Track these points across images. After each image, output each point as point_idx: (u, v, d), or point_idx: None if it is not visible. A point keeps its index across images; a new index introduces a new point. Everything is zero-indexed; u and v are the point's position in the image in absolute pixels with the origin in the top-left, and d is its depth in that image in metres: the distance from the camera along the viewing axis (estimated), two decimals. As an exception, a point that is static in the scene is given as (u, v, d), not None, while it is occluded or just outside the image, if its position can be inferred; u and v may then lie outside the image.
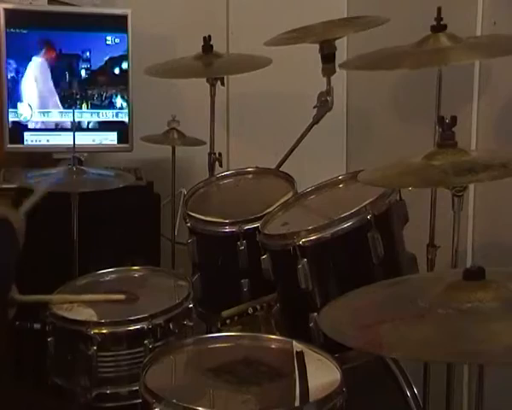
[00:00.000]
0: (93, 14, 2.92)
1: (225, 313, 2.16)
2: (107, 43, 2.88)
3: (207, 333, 2.18)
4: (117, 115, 2.91)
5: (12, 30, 2.76)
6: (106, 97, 2.90)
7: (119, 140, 2.93)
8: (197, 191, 2.48)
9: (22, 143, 2.85)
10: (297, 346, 1.80)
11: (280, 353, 1.83)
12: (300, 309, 1.97)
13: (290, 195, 2.27)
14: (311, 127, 2.52)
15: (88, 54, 2.87)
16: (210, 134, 2.75)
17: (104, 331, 2.00)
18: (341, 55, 2.66)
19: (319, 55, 2.41)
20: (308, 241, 1.91)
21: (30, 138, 2.85)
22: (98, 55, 2.88)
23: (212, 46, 2.66)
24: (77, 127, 2.68)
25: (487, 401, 1.63)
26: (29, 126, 2.84)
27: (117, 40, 2.88)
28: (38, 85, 2.84)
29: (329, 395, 1.60)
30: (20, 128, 2.83)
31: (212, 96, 2.71)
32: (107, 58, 2.88)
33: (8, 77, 2.78)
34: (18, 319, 2.38)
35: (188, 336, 2.03)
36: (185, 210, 2.35)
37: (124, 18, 2.86)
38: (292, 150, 2.60)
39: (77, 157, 2.54)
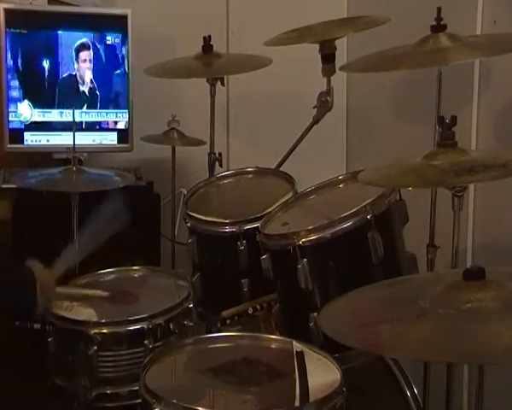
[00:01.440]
0: (93, 14, 2.92)
1: (225, 313, 2.16)
2: (107, 43, 2.88)
3: (207, 333, 2.18)
4: (117, 115, 2.91)
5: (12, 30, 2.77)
6: (106, 97, 2.90)
7: (119, 140, 2.93)
8: (197, 191, 2.48)
9: (22, 143, 2.85)
10: (297, 346, 1.80)
11: (280, 353, 1.83)
12: (300, 309, 1.97)
13: (290, 195, 2.27)
14: (311, 127, 2.52)
15: (88, 54, 2.87)
16: (210, 134, 2.75)
17: (104, 331, 2.00)
18: (341, 55, 2.66)
19: (319, 55, 2.42)
20: (308, 241, 1.91)
21: (30, 138, 2.85)
22: (98, 55, 2.88)
23: (212, 46, 2.66)
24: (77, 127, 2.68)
25: (487, 402, 1.63)
26: (29, 126, 2.84)
27: (117, 40, 2.88)
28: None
29: (329, 395, 1.60)
30: (20, 128, 2.83)
31: (212, 96, 2.71)
32: (106, 58, 2.88)
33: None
34: (18, 319, 2.38)
35: (188, 336, 2.03)
36: (185, 210, 2.36)
37: (124, 18, 2.86)
38: (292, 150, 2.60)
39: (77, 157, 2.53)
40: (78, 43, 2.86)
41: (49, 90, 2.85)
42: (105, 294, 2.17)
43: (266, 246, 2.02)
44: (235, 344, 1.89)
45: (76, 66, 2.86)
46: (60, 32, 2.83)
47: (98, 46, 2.87)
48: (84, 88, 2.88)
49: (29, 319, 2.13)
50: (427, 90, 2.35)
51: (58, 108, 2.85)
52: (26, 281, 1.92)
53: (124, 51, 2.88)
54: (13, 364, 2.56)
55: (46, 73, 2.84)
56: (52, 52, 2.83)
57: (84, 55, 2.87)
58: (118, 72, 2.89)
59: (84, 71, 2.88)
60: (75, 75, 2.87)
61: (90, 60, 2.88)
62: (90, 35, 2.86)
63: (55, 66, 2.84)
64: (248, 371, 1.75)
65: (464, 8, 2.48)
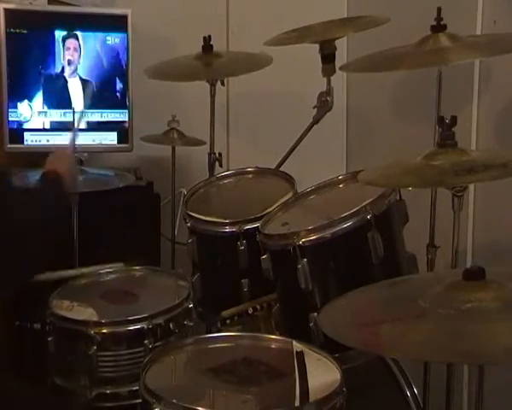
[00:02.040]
0: (93, 14, 2.92)
1: (225, 313, 2.16)
2: (107, 43, 2.88)
3: (207, 333, 2.18)
4: (117, 115, 2.91)
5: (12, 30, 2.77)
6: (106, 97, 2.90)
7: (119, 140, 2.92)
8: (197, 191, 2.48)
9: (22, 143, 2.85)
10: (297, 346, 1.80)
11: (280, 353, 1.83)
12: (300, 309, 1.97)
13: (290, 195, 2.27)
14: (311, 127, 2.52)
15: (88, 54, 2.87)
16: (210, 134, 2.75)
17: (104, 331, 2.00)
18: (341, 55, 2.66)
19: (319, 55, 2.42)
20: (308, 241, 1.91)
21: (30, 138, 2.85)
22: (98, 55, 2.87)
23: (212, 46, 2.66)
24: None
25: (487, 401, 1.63)
26: (29, 126, 2.84)
27: (117, 40, 2.88)
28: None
29: (329, 395, 1.60)
30: (20, 128, 2.83)
31: (212, 96, 2.71)
32: (106, 58, 2.88)
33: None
34: (18, 319, 2.39)
35: (188, 336, 2.03)
36: (185, 210, 2.36)
37: (124, 18, 2.86)
38: (292, 150, 2.60)
39: (77, 157, 2.53)
40: (65, 33, 2.85)
41: (49, 90, 2.85)
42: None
43: (266, 246, 2.02)
44: (235, 344, 1.89)
45: (62, 56, 2.85)
46: (59, 32, 2.83)
47: (98, 46, 2.87)
48: (72, 80, 2.86)
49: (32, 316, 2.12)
50: (427, 90, 2.35)
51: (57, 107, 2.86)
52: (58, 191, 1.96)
53: (123, 51, 2.88)
54: (13, 364, 2.57)
55: (46, 73, 2.83)
56: (52, 52, 2.83)
57: (69, 42, 2.84)
58: (118, 72, 2.89)
59: (68, 60, 2.85)
60: (62, 69, 2.85)
61: (75, 48, 2.85)
62: (90, 35, 2.86)
63: (54, 66, 2.84)
64: (248, 371, 1.75)
65: (464, 8, 2.48)
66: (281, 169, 2.53)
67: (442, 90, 2.27)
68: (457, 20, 2.15)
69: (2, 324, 2.47)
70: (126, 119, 2.91)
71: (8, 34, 2.76)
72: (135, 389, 1.80)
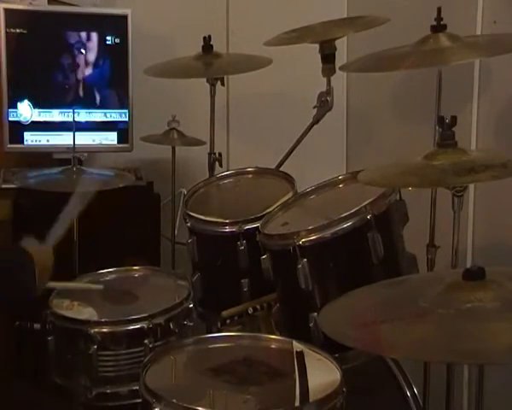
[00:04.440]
0: (93, 14, 2.92)
1: (225, 313, 2.16)
2: (107, 43, 2.88)
3: (207, 333, 2.18)
4: (117, 115, 2.91)
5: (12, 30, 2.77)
6: (106, 97, 2.90)
7: (119, 140, 2.93)
8: (197, 191, 2.48)
9: (22, 143, 2.85)
10: (297, 346, 1.80)
11: (280, 353, 1.83)
12: (300, 309, 1.97)
13: (290, 195, 2.27)
14: (311, 127, 2.52)
15: (88, 54, 2.87)
16: (210, 134, 2.75)
17: (104, 331, 2.00)
18: (341, 55, 2.66)
19: (319, 55, 2.42)
20: (308, 241, 1.91)
21: (30, 138, 2.85)
22: (98, 55, 2.87)
23: (212, 46, 2.67)
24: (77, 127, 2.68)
25: (487, 402, 1.63)
26: (29, 126, 2.84)
27: (117, 40, 2.88)
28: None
29: (329, 395, 1.60)
30: (20, 128, 2.83)
31: (212, 96, 2.71)
32: (106, 58, 2.88)
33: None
34: (18, 319, 2.38)
35: (188, 336, 2.03)
36: (185, 210, 2.35)
37: (124, 18, 2.86)
38: (292, 150, 2.59)
39: (77, 157, 2.54)
40: (73, 41, 2.86)
41: (49, 90, 2.85)
42: (100, 287, 2.18)
43: (266, 246, 2.02)
44: (235, 344, 1.89)
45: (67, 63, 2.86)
46: (60, 32, 2.83)
47: (98, 46, 2.87)
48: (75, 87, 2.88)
49: (26, 307, 2.04)
50: (427, 90, 2.35)
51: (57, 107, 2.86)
52: (24, 265, 1.84)
53: (123, 51, 2.88)
54: (13, 364, 2.56)
55: (46, 73, 2.84)
56: (52, 52, 2.83)
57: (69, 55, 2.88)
58: (118, 72, 2.89)
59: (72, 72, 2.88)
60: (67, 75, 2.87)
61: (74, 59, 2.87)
62: (90, 35, 2.86)
63: (54, 66, 2.84)
64: (248, 371, 1.75)
65: (464, 8, 2.48)
66: (281, 169, 2.53)
67: (442, 90, 2.27)
68: (457, 20, 2.15)
69: (3, 324, 2.46)
70: (126, 119, 2.92)
71: (8, 34, 2.76)
72: (135, 388, 1.80)
